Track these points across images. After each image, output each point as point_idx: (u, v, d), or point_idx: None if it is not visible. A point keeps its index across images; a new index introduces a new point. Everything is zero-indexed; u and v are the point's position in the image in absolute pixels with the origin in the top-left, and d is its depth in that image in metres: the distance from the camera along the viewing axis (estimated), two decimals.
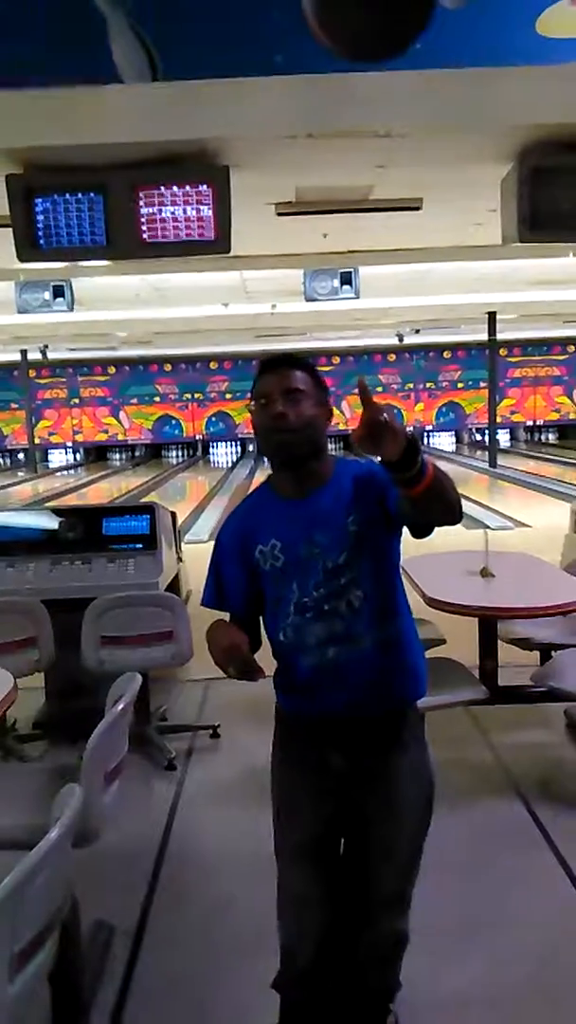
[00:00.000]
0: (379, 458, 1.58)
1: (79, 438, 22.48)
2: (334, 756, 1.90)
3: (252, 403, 1.87)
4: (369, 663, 1.86)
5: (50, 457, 22.55)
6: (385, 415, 1.52)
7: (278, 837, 1.99)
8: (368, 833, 1.92)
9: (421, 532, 1.81)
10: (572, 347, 22.07)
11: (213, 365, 21.88)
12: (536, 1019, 2.28)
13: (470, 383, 22.07)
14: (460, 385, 22.40)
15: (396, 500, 1.73)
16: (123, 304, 10.55)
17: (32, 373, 19.64)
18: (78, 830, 1.95)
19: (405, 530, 1.86)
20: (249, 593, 1.94)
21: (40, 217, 3.79)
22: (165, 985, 2.46)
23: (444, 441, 22.87)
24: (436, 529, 1.79)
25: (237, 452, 22.22)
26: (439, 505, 1.67)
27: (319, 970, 1.92)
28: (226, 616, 1.96)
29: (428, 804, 1.98)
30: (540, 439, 22.99)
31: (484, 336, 15.59)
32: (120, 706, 2.31)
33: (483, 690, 3.43)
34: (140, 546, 4.13)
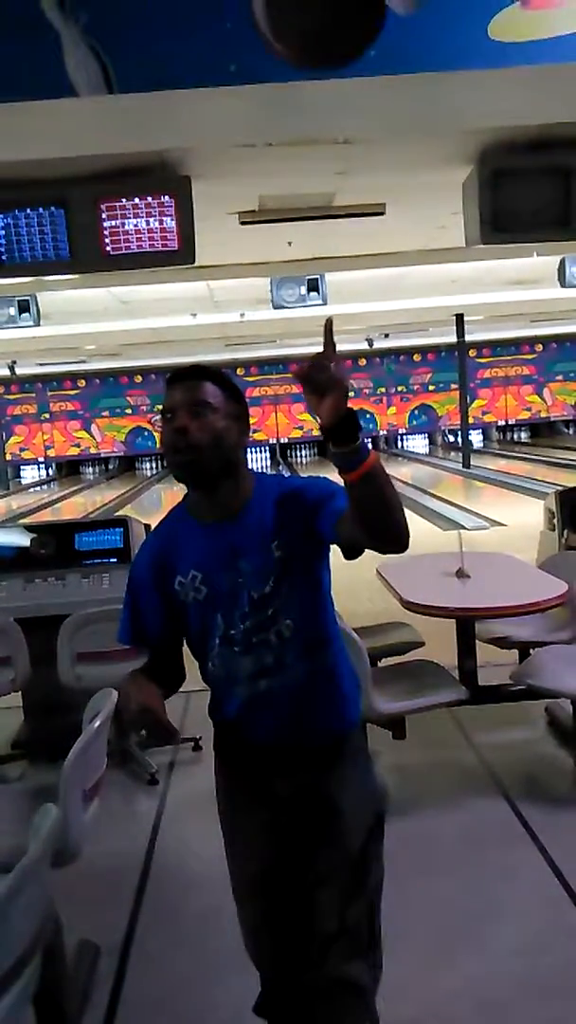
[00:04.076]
0: (319, 420, 1.46)
1: (51, 453, 22.35)
2: (275, 781, 1.81)
3: (158, 418, 1.72)
4: (301, 694, 1.77)
5: (22, 473, 22.40)
6: (334, 363, 1.42)
7: (230, 869, 1.88)
8: (309, 860, 1.78)
9: (352, 552, 1.68)
10: (540, 346, 22.30)
11: None
12: (528, 1015, 2.28)
13: (441, 385, 22.22)
14: (431, 387, 22.55)
15: (332, 516, 1.64)
16: (90, 317, 10.52)
17: (1, 389, 19.52)
18: (57, 849, 1.93)
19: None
20: (169, 626, 1.82)
21: (2, 233, 3.77)
22: (153, 1003, 2.44)
23: (418, 443, 22.99)
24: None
25: None
26: (380, 504, 1.52)
27: (293, 992, 1.81)
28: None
29: (375, 825, 1.83)
30: (512, 438, 23.19)
31: (453, 338, 15.72)
32: (97, 723, 2.29)
33: (463, 691, 3.43)
34: (114, 560, 4.10)
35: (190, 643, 1.85)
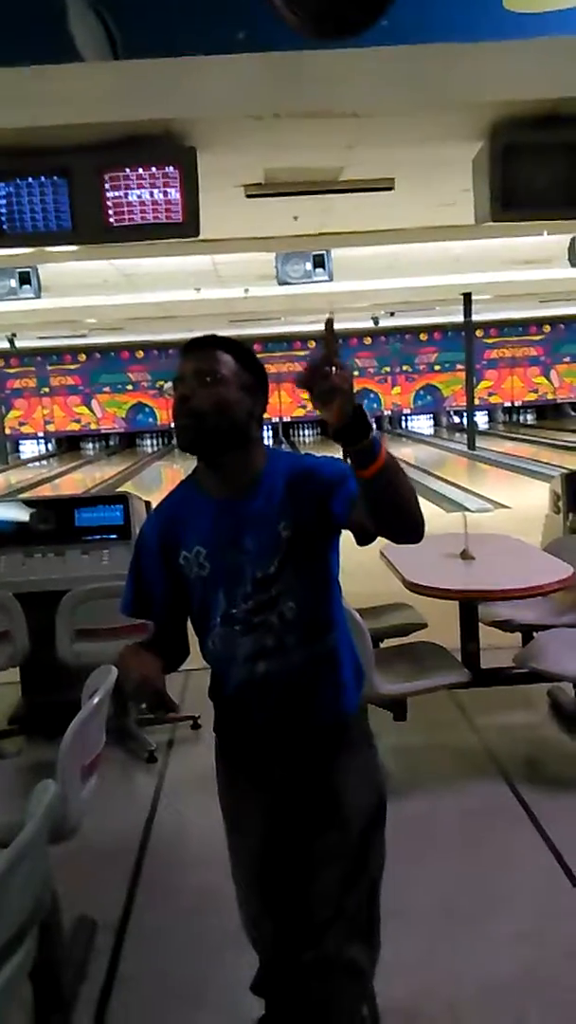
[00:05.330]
0: (328, 422, 1.43)
1: (51, 428, 22.26)
2: (272, 768, 1.80)
3: (170, 386, 1.71)
4: (299, 678, 1.74)
5: (21, 448, 22.32)
6: (333, 369, 1.37)
7: (230, 851, 1.88)
8: (308, 843, 1.76)
9: (366, 538, 1.63)
10: (548, 327, 22.14)
11: None
12: (527, 998, 2.27)
13: (447, 365, 22.09)
14: (437, 368, 22.43)
15: (345, 501, 1.60)
16: (91, 290, 10.44)
17: (0, 362, 19.42)
18: (55, 826, 1.92)
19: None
20: (173, 600, 1.79)
21: (3, 202, 3.72)
22: (150, 979, 2.44)
23: (422, 424, 22.91)
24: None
25: None
26: (394, 499, 1.51)
27: (290, 973, 1.79)
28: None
29: (375, 811, 1.81)
30: (518, 420, 23.10)
31: (460, 318, 15.61)
32: (95, 699, 2.27)
33: (466, 673, 3.42)
34: (114, 536, 4.07)
35: (192, 619, 1.82)
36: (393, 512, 1.53)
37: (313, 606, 1.74)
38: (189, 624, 1.86)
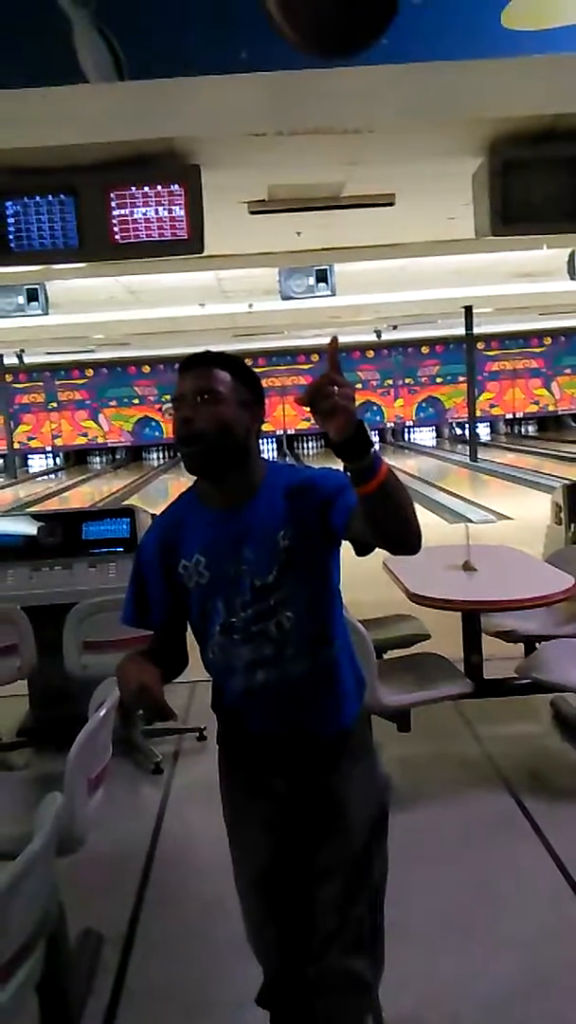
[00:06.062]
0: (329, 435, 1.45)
1: (59, 442, 22.35)
2: (274, 779, 1.80)
3: (170, 406, 1.72)
4: (298, 688, 1.75)
5: (30, 462, 22.40)
6: (335, 388, 1.38)
7: (234, 863, 1.88)
8: (310, 855, 1.77)
9: (365, 549, 1.65)
10: (549, 339, 22.18)
11: None
12: (529, 1009, 2.28)
13: (449, 377, 22.14)
14: (439, 380, 22.47)
15: (344, 513, 1.62)
16: (98, 306, 10.51)
17: (9, 378, 19.53)
18: (62, 838, 1.94)
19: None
20: (173, 610, 1.81)
21: (11, 220, 3.77)
22: (156, 992, 2.44)
23: (425, 436, 22.93)
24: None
25: None
26: (393, 513, 1.52)
27: (295, 986, 1.81)
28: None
29: (377, 822, 1.82)
30: (520, 431, 23.12)
31: (462, 330, 15.66)
32: (102, 712, 2.29)
33: (468, 684, 3.43)
34: (121, 549, 4.10)
35: (193, 629, 1.84)
36: (392, 525, 1.55)
37: (312, 616, 1.75)
38: (189, 634, 1.87)
